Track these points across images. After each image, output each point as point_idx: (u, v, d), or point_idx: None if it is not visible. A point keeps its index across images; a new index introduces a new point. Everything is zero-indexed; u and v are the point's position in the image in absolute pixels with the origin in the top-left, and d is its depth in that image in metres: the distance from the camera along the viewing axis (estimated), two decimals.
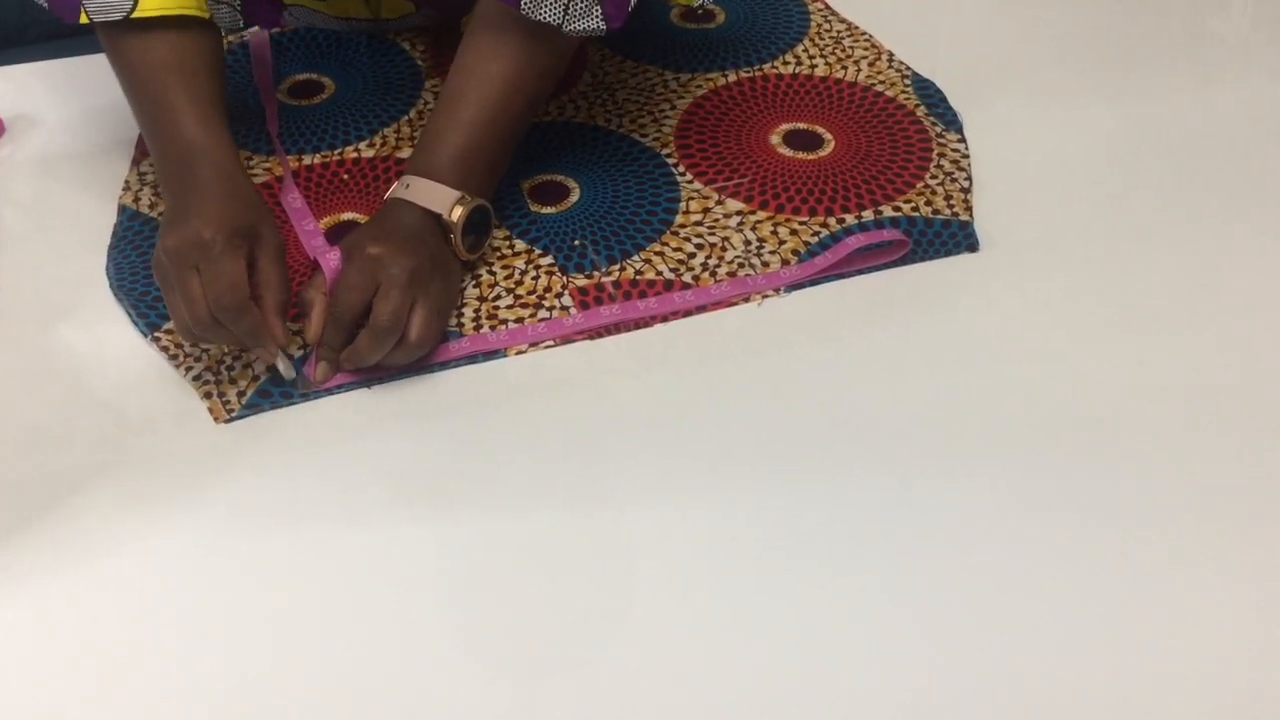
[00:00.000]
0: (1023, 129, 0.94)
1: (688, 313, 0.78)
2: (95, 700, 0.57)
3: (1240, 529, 0.64)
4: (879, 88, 0.97)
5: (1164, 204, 0.86)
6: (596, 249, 0.82)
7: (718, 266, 0.81)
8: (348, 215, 0.85)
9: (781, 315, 0.78)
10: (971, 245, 0.82)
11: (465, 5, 0.83)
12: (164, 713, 0.57)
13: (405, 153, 0.90)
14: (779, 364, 0.74)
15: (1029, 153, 0.91)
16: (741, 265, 0.81)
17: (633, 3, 0.77)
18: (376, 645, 0.59)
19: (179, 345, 0.75)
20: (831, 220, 0.84)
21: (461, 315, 0.77)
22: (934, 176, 0.88)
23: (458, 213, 0.75)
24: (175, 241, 0.68)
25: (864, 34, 1.04)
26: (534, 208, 0.85)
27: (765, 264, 0.81)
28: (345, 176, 0.89)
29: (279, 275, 0.71)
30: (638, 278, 0.80)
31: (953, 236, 0.83)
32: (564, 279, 0.80)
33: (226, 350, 0.75)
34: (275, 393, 0.72)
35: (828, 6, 1.08)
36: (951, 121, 0.93)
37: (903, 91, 0.97)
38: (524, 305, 0.78)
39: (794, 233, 0.83)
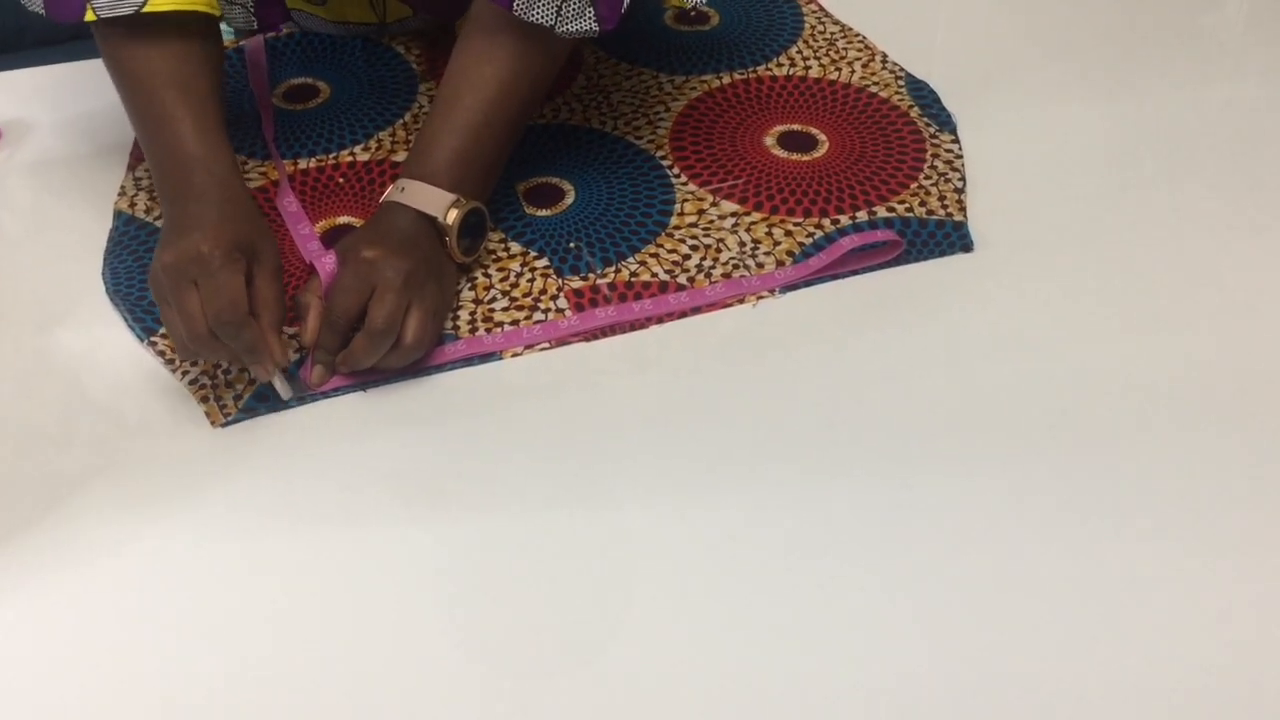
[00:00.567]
0: (1016, 129, 0.94)
1: (683, 314, 0.78)
2: (93, 702, 0.57)
3: (1238, 526, 0.64)
4: (873, 89, 0.97)
5: (1158, 203, 0.87)
6: (592, 251, 0.82)
7: (713, 268, 0.81)
8: (343, 219, 0.85)
9: (776, 316, 0.78)
10: (966, 245, 0.83)
11: (460, 8, 0.83)
12: (162, 715, 0.57)
13: (400, 156, 0.91)
14: (774, 365, 0.74)
15: (1023, 153, 0.92)
16: (736, 267, 0.81)
17: (626, 4, 0.77)
18: (374, 647, 0.59)
19: (174, 350, 0.75)
20: (826, 221, 0.84)
21: (457, 318, 0.77)
22: (928, 177, 0.88)
23: (453, 216, 0.75)
24: (173, 257, 0.68)
25: (858, 35, 1.04)
26: (529, 210, 0.86)
27: (760, 265, 0.81)
28: (340, 180, 0.89)
29: (276, 293, 0.71)
30: (633, 279, 0.80)
31: (947, 237, 0.83)
32: (559, 281, 0.80)
33: None
34: (271, 396, 0.72)
35: (821, 8, 1.08)
36: (945, 122, 0.94)
37: (896, 93, 0.97)
38: (519, 308, 0.78)
39: (788, 234, 0.83)
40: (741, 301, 0.79)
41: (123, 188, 0.89)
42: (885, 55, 1.01)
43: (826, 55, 1.02)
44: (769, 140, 0.92)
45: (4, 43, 1.38)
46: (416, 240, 0.74)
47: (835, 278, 0.80)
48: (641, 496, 0.66)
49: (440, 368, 0.74)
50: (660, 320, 0.77)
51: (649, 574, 0.63)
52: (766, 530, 0.64)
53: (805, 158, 0.90)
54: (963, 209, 0.85)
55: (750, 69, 1.00)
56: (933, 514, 0.65)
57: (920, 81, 0.98)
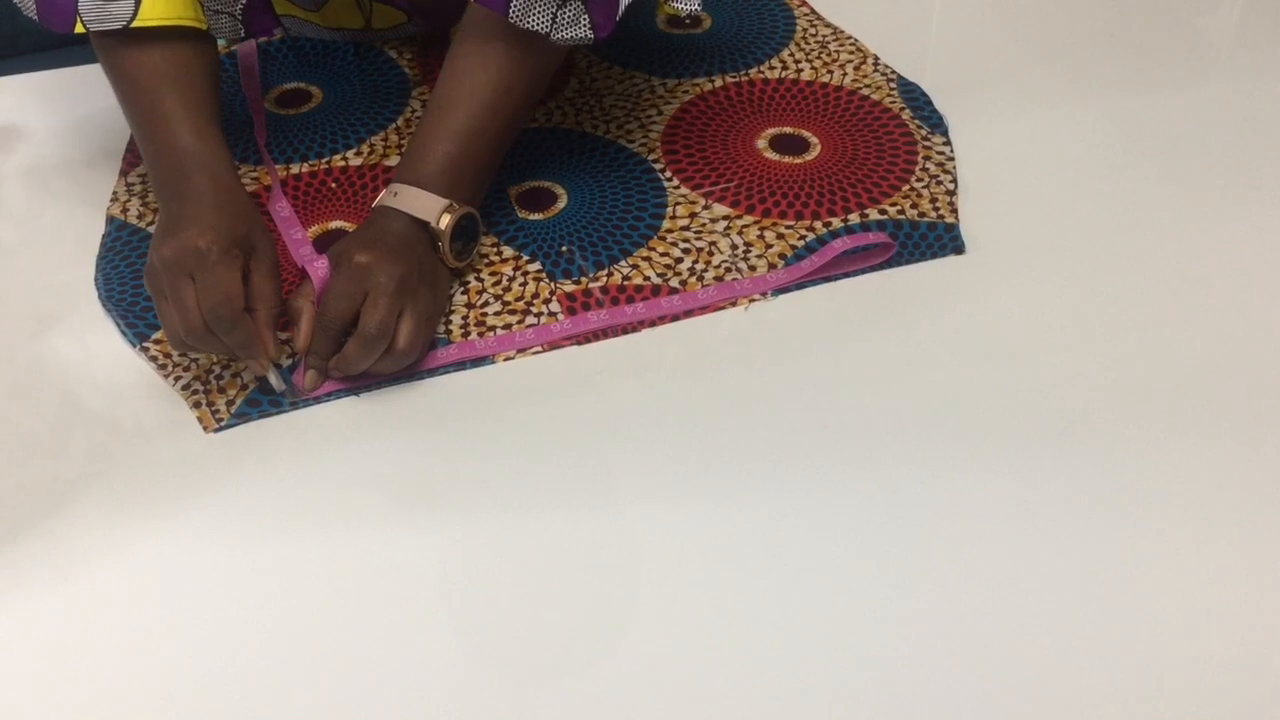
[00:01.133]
0: (1008, 132, 0.94)
1: (675, 317, 0.78)
2: (89, 707, 0.57)
3: (1232, 524, 0.64)
4: (864, 91, 0.98)
5: (1150, 204, 0.87)
6: (584, 255, 0.82)
7: (705, 271, 0.81)
8: (336, 224, 0.85)
9: (768, 319, 0.78)
10: (957, 247, 0.83)
11: (455, 14, 0.83)
12: None
13: (393, 161, 0.91)
14: (766, 367, 0.74)
15: (1014, 155, 0.92)
16: (728, 270, 0.81)
17: (620, 11, 0.77)
18: (369, 651, 0.60)
19: (168, 355, 0.75)
20: (818, 224, 0.84)
21: (450, 322, 0.77)
22: (919, 179, 0.88)
23: (445, 220, 0.75)
24: (170, 251, 0.68)
25: (849, 38, 1.04)
26: (522, 214, 0.86)
27: (752, 268, 0.81)
28: (333, 185, 0.89)
29: (272, 288, 0.71)
30: (625, 283, 0.80)
31: (938, 239, 0.83)
32: (552, 285, 0.80)
33: (216, 360, 0.75)
34: (264, 401, 0.72)
35: (813, 11, 1.08)
36: (937, 125, 0.94)
37: (888, 95, 0.97)
38: (512, 312, 0.78)
39: (780, 236, 0.83)
40: (734, 304, 0.79)
41: (115, 193, 0.89)
42: (877, 58, 1.02)
43: (818, 58, 1.02)
44: (761, 143, 0.92)
45: None
46: (409, 245, 0.74)
47: (827, 280, 0.81)
48: (635, 499, 0.67)
49: (433, 372, 0.74)
50: (653, 323, 0.78)
51: (643, 575, 0.63)
52: (760, 532, 0.65)
53: (797, 160, 0.91)
54: (954, 211, 0.86)
55: (742, 72, 1.00)
56: (927, 514, 0.65)
57: (912, 84, 0.98)
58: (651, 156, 0.91)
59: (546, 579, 0.63)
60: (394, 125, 0.95)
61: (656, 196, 0.87)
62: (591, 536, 0.65)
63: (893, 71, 1.00)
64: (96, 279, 0.82)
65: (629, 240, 0.83)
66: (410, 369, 0.74)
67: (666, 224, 0.85)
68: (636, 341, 0.77)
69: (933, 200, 0.86)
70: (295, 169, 0.90)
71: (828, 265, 0.81)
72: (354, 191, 0.88)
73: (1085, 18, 1.09)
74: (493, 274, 0.81)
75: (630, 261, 0.82)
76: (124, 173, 0.91)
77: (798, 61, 1.01)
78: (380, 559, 0.64)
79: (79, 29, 0.76)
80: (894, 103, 0.96)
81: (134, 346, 0.76)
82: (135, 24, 0.75)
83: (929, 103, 0.96)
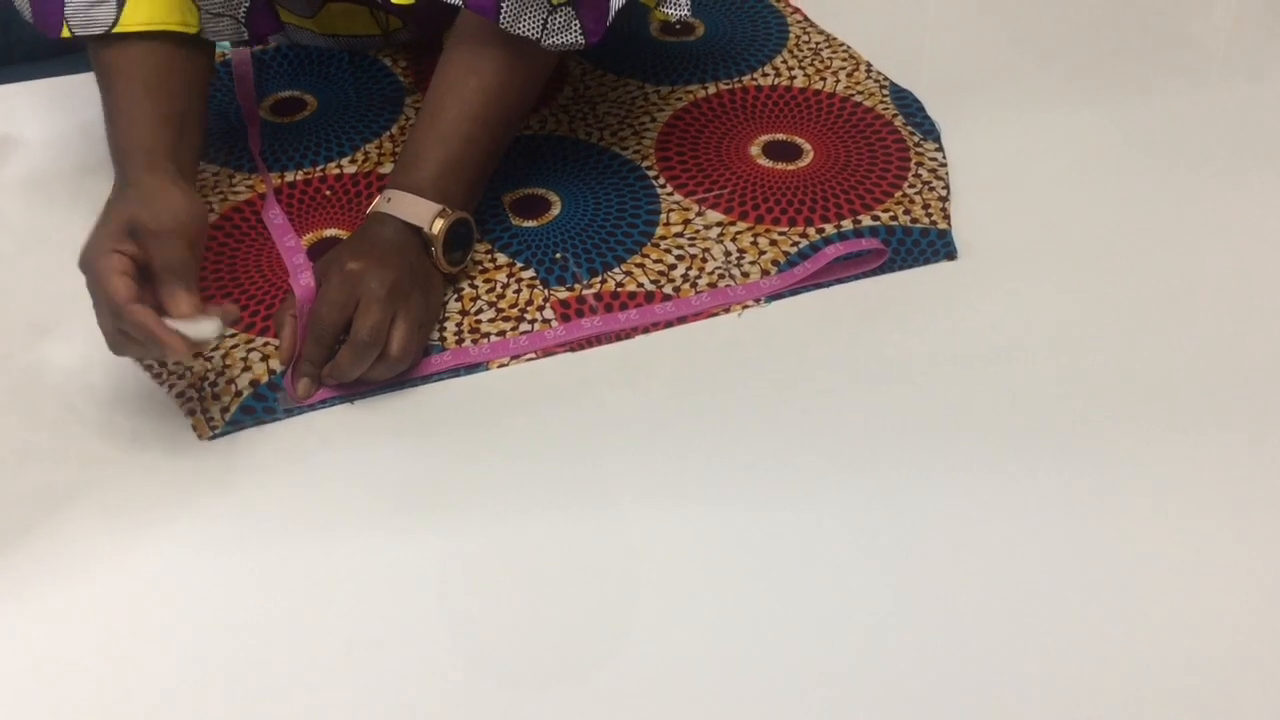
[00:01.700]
0: (1000, 138, 0.94)
1: (668, 324, 0.78)
2: (83, 716, 0.57)
3: (1231, 528, 0.65)
4: (857, 98, 0.98)
5: (1142, 209, 0.87)
6: (578, 261, 0.82)
7: (698, 278, 0.81)
8: (330, 232, 0.86)
9: (762, 325, 0.78)
10: (950, 253, 0.83)
11: (447, 20, 0.83)
12: None
13: (387, 168, 0.91)
14: (760, 373, 0.74)
15: (1006, 161, 0.92)
16: (722, 276, 0.81)
17: (611, 18, 0.77)
18: (364, 657, 0.60)
19: (162, 364, 0.75)
20: (811, 230, 0.85)
21: (443, 329, 0.78)
22: (912, 186, 0.89)
23: (438, 226, 0.75)
24: (83, 255, 0.68)
25: (842, 45, 1.05)
26: (515, 221, 0.86)
27: (745, 274, 0.81)
28: (328, 193, 0.89)
29: (168, 254, 0.67)
30: (619, 290, 0.80)
31: (931, 245, 0.83)
32: (545, 292, 0.80)
33: (210, 367, 0.75)
34: (258, 409, 0.73)
35: (806, 18, 1.09)
36: (929, 131, 0.94)
37: (881, 102, 0.97)
38: (506, 318, 0.78)
39: (774, 243, 0.84)
40: (727, 311, 0.79)
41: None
42: (870, 65, 1.02)
43: (811, 65, 1.02)
44: (754, 150, 0.93)
45: None
46: (402, 251, 0.74)
47: (820, 286, 0.81)
48: (629, 505, 0.67)
49: (427, 379, 0.75)
50: (646, 330, 0.78)
51: (639, 580, 0.63)
52: (755, 538, 0.65)
53: (790, 167, 0.91)
54: (946, 217, 0.86)
55: (735, 79, 1.01)
56: (922, 519, 0.65)
57: (904, 91, 0.99)
58: (645, 163, 0.91)
59: (541, 585, 0.63)
60: (388, 133, 0.95)
61: (650, 203, 0.88)
62: (586, 542, 0.65)
63: (885, 78, 1.00)
64: None
65: (623, 247, 0.84)
66: (404, 376, 0.74)
67: (660, 230, 0.85)
68: (630, 348, 0.77)
69: (925, 206, 0.87)
70: (290, 177, 0.91)
71: (821, 271, 0.81)
72: (348, 199, 0.89)
73: (1078, 24, 1.09)
74: (486, 281, 0.81)
75: (624, 268, 0.82)
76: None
77: (791, 68, 1.02)
78: (375, 566, 0.64)
79: (65, 34, 0.77)
80: (886, 109, 0.97)
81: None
82: (117, 29, 0.76)
83: (921, 109, 0.96)
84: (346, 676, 0.59)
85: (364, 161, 0.92)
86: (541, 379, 0.75)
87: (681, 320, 0.78)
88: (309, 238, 0.85)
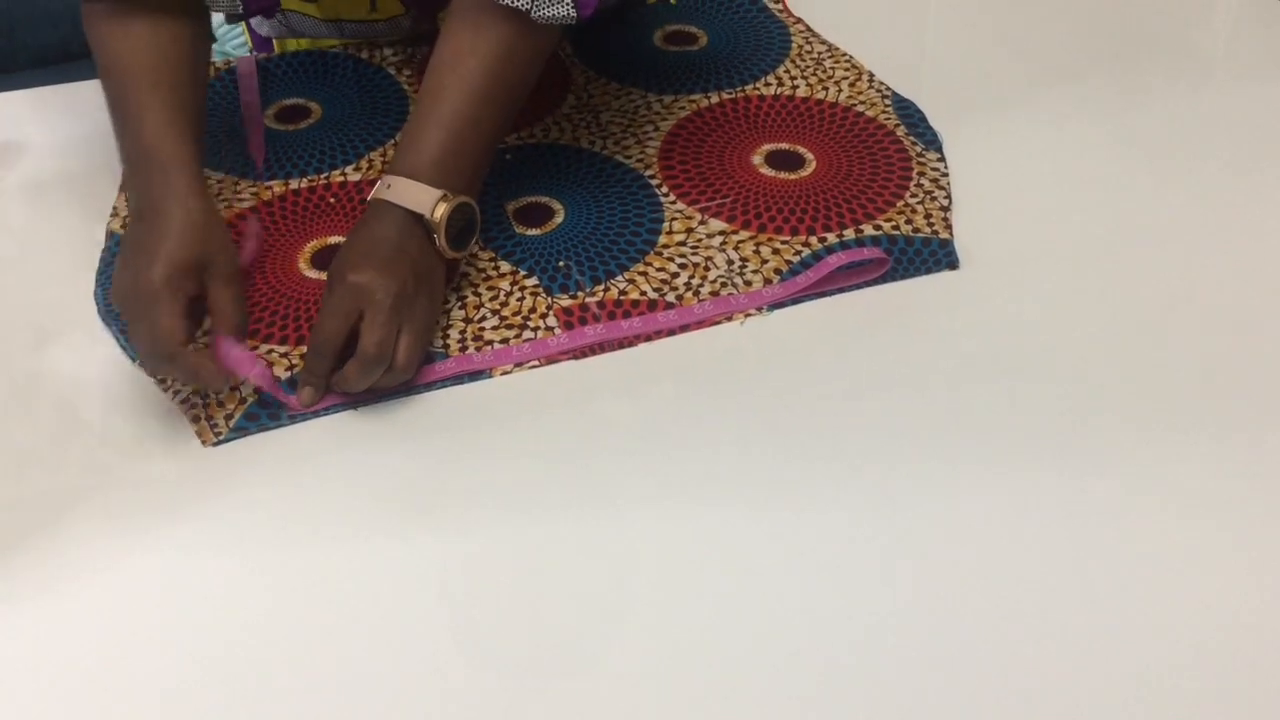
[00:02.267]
0: (1002, 148, 0.95)
1: (671, 332, 0.78)
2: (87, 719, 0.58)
3: (1230, 533, 0.65)
4: (860, 108, 0.98)
5: (1144, 218, 0.87)
6: (581, 270, 0.83)
7: (701, 286, 0.81)
8: (334, 239, 0.86)
9: (764, 334, 0.78)
10: (951, 263, 0.83)
11: (443, 2, 0.82)
12: None
13: None
14: (762, 382, 0.75)
15: (1008, 171, 0.92)
16: (724, 285, 0.82)
17: None
18: (367, 663, 0.60)
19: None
20: (813, 239, 0.85)
21: (447, 336, 0.78)
22: (914, 195, 0.89)
23: (440, 211, 0.74)
24: (118, 289, 0.71)
25: (844, 55, 1.05)
26: (519, 229, 0.86)
27: (748, 283, 0.82)
28: (332, 200, 0.89)
29: (227, 300, 0.71)
30: (621, 298, 0.80)
31: (933, 254, 0.84)
32: (548, 300, 0.80)
33: None
34: (263, 415, 0.73)
35: (809, 28, 1.09)
36: (931, 141, 0.94)
37: (883, 112, 0.98)
38: (509, 326, 0.79)
39: (776, 252, 0.84)
40: (730, 319, 0.79)
41: (115, 208, 0.90)
42: (872, 74, 1.02)
43: (814, 74, 1.02)
44: (757, 159, 0.93)
45: None
46: (403, 247, 0.74)
47: (822, 295, 0.81)
48: (631, 512, 0.67)
49: (430, 386, 0.75)
50: (649, 338, 0.78)
51: (640, 588, 0.63)
52: (757, 546, 0.65)
53: (793, 176, 0.91)
54: (948, 227, 0.86)
55: (738, 88, 1.01)
56: (923, 528, 0.66)
57: (907, 101, 0.99)
58: (648, 172, 0.92)
59: (543, 592, 0.63)
60: (392, 141, 0.95)
61: (653, 212, 0.88)
62: (588, 550, 0.65)
63: (888, 88, 1.01)
64: (96, 293, 0.82)
65: (625, 255, 0.84)
66: (408, 383, 0.74)
67: (663, 239, 0.85)
68: (632, 356, 0.77)
69: (927, 216, 0.87)
70: (294, 184, 0.91)
71: (823, 280, 0.81)
72: (352, 206, 0.89)
73: (1080, 34, 1.10)
74: (490, 289, 0.81)
75: (627, 276, 0.82)
76: (124, 187, 0.92)
77: (793, 78, 1.02)
78: (378, 573, 0.64)
79: None
80: (889, 119, 0.97)
81: (133, 360, 0.77)
82: None
83: (924, 119, 0.97)
84: (350, 681, 0.59)
85: (368, 169, 0.92)
86: (544, 386, 0.75)
87: (684, 328, 0.79)
88: (313, 244, 0.85)
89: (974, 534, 0.65)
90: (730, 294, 0.81)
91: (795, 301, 0.81)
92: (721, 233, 0.86)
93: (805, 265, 0.83)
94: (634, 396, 0.74)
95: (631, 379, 0.75)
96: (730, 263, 0.83)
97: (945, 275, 0.83)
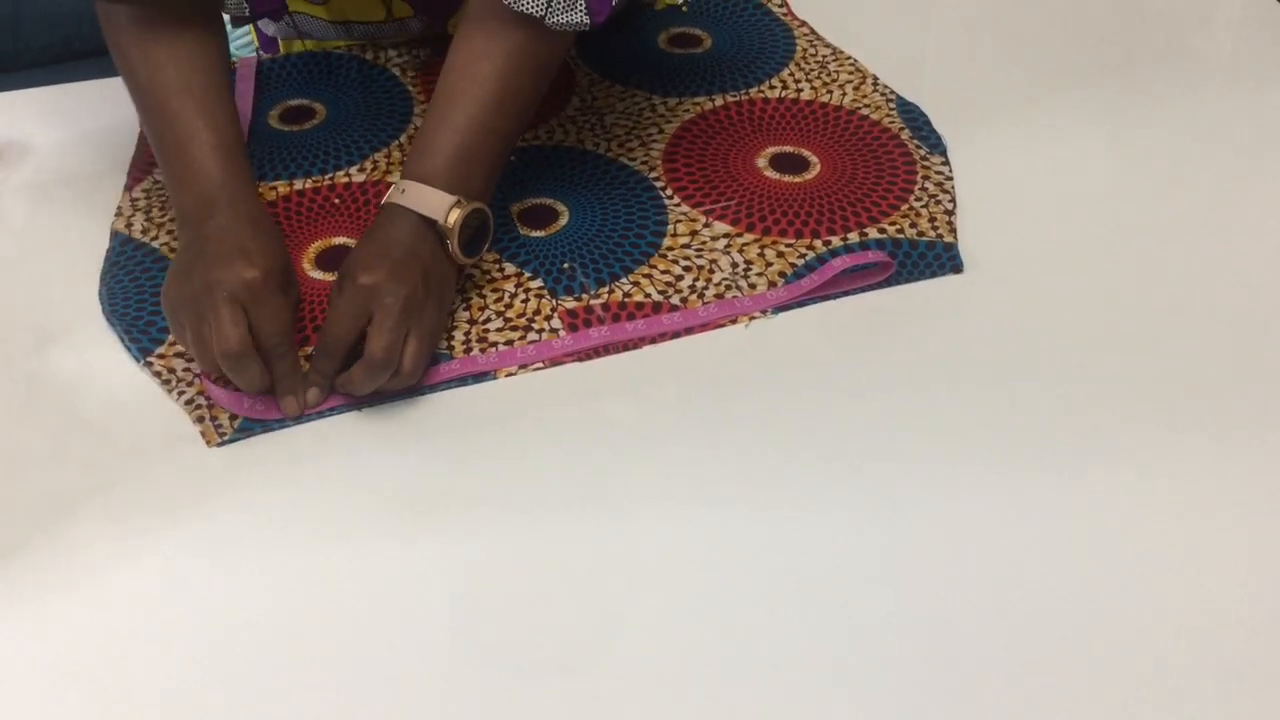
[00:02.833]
0: (1006, 151, 0.95)
1: (675, 334, 0.78)
2: None
3: (1233, 535, 0.65)
4: (864, 111, 0.98)
5: (1147, 223, 0.87)
6: (585, 272, 0.83)
7: (705, 288, 0.81)
8: (339, 240, 0.86)
9: (768, 336, 0.78)
10: (956, 266, 0.83)
11: (454, 6, 0.82)
12: None
13: (395, 177, 0.91)
14: (766, 384, 0.75)
15: (1012, 175, 0.92)
16: (729, 287, 0.82)
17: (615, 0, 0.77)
18: (371, 663, 0.60)
19: (171, 370, 0.76)
20: (818, 242, 0.85)
21: (452, 338, 0.78)
22: (918, 199, 0.89)
23: (454, 216, 0.74)
24: (181, 293, 0.71)
25: (849, 58, 1.05)
26: (523, 231, 0.86)
27: (752, 286, 0.82)
28: (336, 201, 0.89)
29: (284, 336, 0.72)
30: (626, 300, 0.80)
31: (937, 258, 0.84)
32: (553, 301, 0.80)
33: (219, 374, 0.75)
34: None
35: (813, 31, 1.09)
36: (935, 145, 0.94)
37: (887, 115, 0.98)
38: (513, 328, 0.79)
39: (780, 255, 0.84)
40: (734, 322, 0.79)
41: (120, 208, 0.90)
42: (876, 78, 1.02)
43: (818, 78, 1.02)
44: (761, 162, 0.93)
45: (1, 64, 1.39)
46: (415, 251, 0.74)
47: (826, 298, 0.81)
48: (635, 514, 0.67)
49: (435, 387, 0.75)
50: (653, 340, 0.78)
51: (645, 590, 0.63)
52: (760, 548, 0.65)
53: (797, 179, 0.91)
54: (953, 230, 0.86)
55: (743, 91, 1.01)
56: (927, 531, 0.66)
57: (911, 104, 0.99)
58: (653, 174, 0.92)
59: (546, 593, 0.63)
60: (397, 142, 0.95)
61: (657, 214, 0.88)
62: (591, 551, 0.65)
63: (892, 91, 1.01)
64: (101, 293, 0.82)
65: (630, 258, 0.84)
66: (413, 385, 0.74)
67: (667, 241, 0.85)
68: (637, 358, 0.77)
69: (931, 220, 0.87)
70: (299, 184, 0.91)
71: (827, 283, 0.81)
72: (356, 207, 0.89)
73: (1082, 38, 1.10)
74: (494, 290, 0.81)
75: (631, 279, 0.82)
76: (129, 187, 0.92)
77: (798, 81, 1.02)
78: (382, 574, 0.64)
79: None
80: (893, 123, 0.97)
81: (138, 361, 0.77)
82: None
83: (928, 123, 0.97)
84: (352, 681, 0.59)
85: (373, 170, 0.92)
86: (548, 388, 0.75)
87: (688, 331, 0.79)
88: (318, 245, 0.85)
89: (981, 538, 0.65)
90: (735, 297, 0.81)
91: (800, 304, 0.81)
92: (726, 235, 0.86)
93: (810, 268, 0.83)
94: (638, 398, 0.74)
95: (636, 381, 0.75)
96: (735, 265, 0.83)
97: (949, 279, 0.83)
